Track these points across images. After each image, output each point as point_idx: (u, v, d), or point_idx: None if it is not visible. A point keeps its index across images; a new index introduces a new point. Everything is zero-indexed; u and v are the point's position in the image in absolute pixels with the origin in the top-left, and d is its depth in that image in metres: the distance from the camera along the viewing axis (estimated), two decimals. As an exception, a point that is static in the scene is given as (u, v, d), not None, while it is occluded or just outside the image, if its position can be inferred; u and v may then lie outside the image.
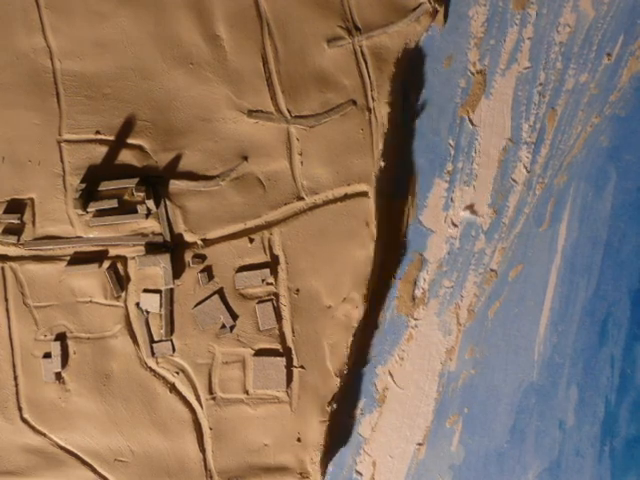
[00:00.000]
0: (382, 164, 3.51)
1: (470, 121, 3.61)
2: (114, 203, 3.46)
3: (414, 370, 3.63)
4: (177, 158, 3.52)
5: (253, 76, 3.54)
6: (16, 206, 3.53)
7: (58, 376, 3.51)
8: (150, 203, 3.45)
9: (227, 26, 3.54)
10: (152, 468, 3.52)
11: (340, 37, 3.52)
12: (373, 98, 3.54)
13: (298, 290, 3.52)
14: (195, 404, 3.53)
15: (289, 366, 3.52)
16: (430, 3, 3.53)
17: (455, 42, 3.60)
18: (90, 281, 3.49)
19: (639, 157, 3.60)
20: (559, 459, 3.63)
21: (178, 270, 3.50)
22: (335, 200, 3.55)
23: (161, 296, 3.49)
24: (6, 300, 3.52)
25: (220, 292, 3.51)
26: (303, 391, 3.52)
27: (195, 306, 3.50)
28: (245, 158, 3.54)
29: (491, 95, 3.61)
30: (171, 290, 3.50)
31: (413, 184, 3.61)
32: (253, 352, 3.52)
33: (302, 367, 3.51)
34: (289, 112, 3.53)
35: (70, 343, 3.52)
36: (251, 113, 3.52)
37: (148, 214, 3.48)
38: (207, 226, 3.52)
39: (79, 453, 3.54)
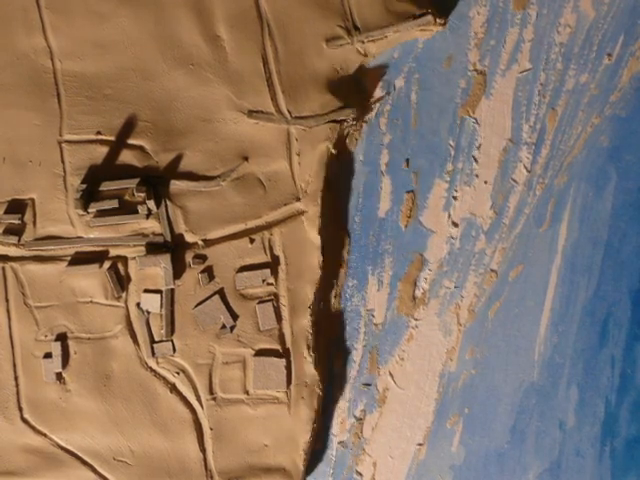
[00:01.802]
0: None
1: (470, 121, 3.61)
2: (115, 203, 3.46)
3: (414, 370, 3.63)
4: (178, 158, 3.52)
5: (253, 76, 3.54)
6: (17, 206, 3.53)
7: (59, 376, 3.51)
8: (151, 203, 3.46)
9: (227, 27, 3.54)
10: (152, 468, 3.52)
11: (339, 37, 3.52)
12: None
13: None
14: (195, 404, 3.53)
15: (289, 366, 3.52)
16: (433, 16, 3.50)
17: (455, 42, 3.60)
18: (91, 281, 3.49)
19: (639, 157, 3.60)
20: (559, 459, 3.63)
21: (179, 270, 3.51)
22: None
23: (162, 296, 3.49)
24: (7, 300, 3.53)
25: (221, 292, 3.52)
26: (298, 394, 3.53)
27: (196, 306, 3.51)
28: (245, 158, 3.54)
29: (491, 95, 3.61)
30: (172, 290, 3.50)
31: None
32: (253, 352, 3.52)
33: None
34: (289, 113, 3.53)
35: (71, 343, 3.52)
36: (251, 113, 3.52)
37: (149, 214, 3.48)
38: (208, 226, 3.52)
39: (79, 453, 3.54)
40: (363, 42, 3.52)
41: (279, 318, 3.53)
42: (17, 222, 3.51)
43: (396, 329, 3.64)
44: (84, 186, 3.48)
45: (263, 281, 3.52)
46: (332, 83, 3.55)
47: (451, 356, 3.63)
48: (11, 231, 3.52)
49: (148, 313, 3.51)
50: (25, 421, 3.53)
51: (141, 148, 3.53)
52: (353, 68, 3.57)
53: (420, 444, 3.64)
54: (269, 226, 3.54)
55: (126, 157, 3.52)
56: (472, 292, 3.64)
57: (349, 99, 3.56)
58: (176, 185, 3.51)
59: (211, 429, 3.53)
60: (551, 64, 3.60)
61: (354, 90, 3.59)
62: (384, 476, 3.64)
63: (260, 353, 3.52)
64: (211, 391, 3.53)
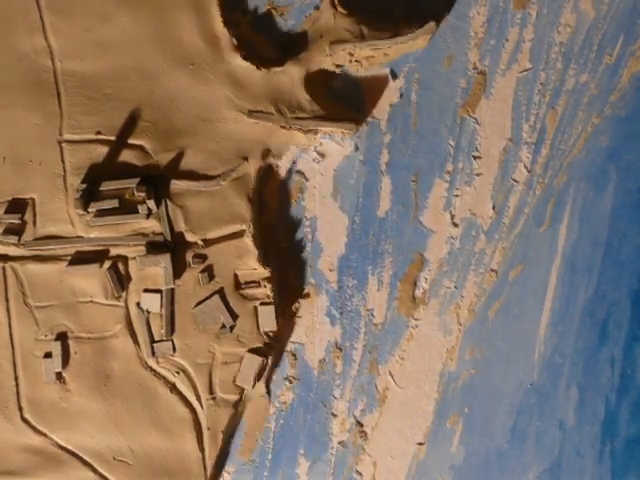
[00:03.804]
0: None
1: (470, 121, 3.61)
2: (115, 203, 3.46)
3: (414, 370, 3.63)
4: (178, 158, 3.52)
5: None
6: (17, 206, 3.53)
7: (59, 376, 3.51)
8: (151, 203, 3.45)
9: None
10: (152, 468, 3.52)
11: (345, 40, 3.50)
12: None
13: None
14: (195, 404, 3.53)
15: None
16: (435, 23, 3.50)
17: (455, 42, 3.60)
18: (91, 281, 3.49)
19: (639, 157, 3.61)
20: (559, 459, 3.63)
21: (179, 270, 3.50)
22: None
23: (162, 296, 3.49)
24: (7, 300, 3.52)
25: (220, 292, 3.52)
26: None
27: (195, 306, 3.50)
28: (245, 158, 3.54)
29: (491, 95, 3.61)
30: (172, 290, 3.50)
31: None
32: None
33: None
34: (289, 113, 3.53)
35: (71, 343, 3.52)
36: (251, 113, 3.52)
37: (149, 214, 3.48)
38: (207, 226, 3.52)
39: (79, 453, 3.54)
40: (366, 48, 3.51)
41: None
42: (17, 222, 3.51)
43: (396, 329, 3.64)
44: (84, 186, 3.48)
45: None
46: (333, 84, 3.56)
47: (451, 356, 3.63)
48: (11, 231, 3.52)
49: (148, 313, 3.51)
50: (25, 421, 3.53)
51: (141, 148, 3.53)
52: (353, 71, 3.58)
53: (420, 444, 3.64)
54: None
55: (126, 157, 3.53)
56: (472, 292, 3.64)
57: (348, 101, 3.57)
58: (176, 185, 3.51)
59: (208, 429, 3.53)
60: (551, 64, 3.60)
61: (353, 92, 3.60)
62: (384, 476, 3.64)
63: (253, 351, 3.53)
64: (211, 391, 3.53)
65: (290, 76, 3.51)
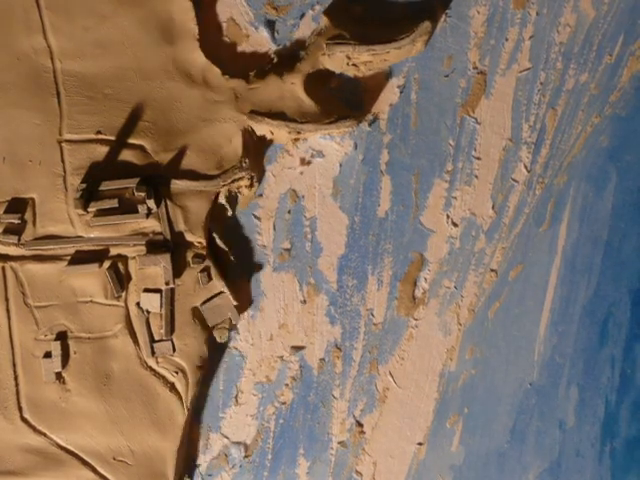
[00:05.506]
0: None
1: (470, 121, 3.61)
2: (115, 203, 3.45)
3: (414, 370, 3.63)
4: (178, 158, 3.52)
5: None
6: (17, 206, 3.53)
7: (58, 376, 3.50)
8: (151, 203, 3.45)
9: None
10: (152, 468, 3.52)
11: (343, 37, 3.50)
12: None
13: None
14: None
15: None
16: (431, 23, 3.49)
17: (455, 42, 3.60)
18: (91, 281, 3.49)
19: (639, 157, 3.61)
20: (559, 459, 3.63)
21: (179, 270, 3.50)
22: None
23: (161, 296, 3.48)
24: (6, 300, 3.52)
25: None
26: None
27: (203, 303, 3.49)
28: (244, 160, 3.53)
29: (491, 95, 3.61)
30: (172, 290, 3.50)
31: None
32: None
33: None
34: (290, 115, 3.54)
35: (70, 343, 3.51)
36: (252, 115, 3.52)
37: (149, 214, 3.48)
38: (207, 226, 3.52)
39: (79, 453, 3.53)
40: (365, 53, 3.51)
41: (279, 318, 3.54)
42: (17, 222, 3.51)
43: (396, 329, 3.64)
44: (84, 186, 3.47)
45: (263, 281, 3.53)
46: (331, 83, 3.56)
47: (451, 356, 3.63)
48: (11, 231, 3.51)
49: (148, 312, 3.51)
50: (25, 421, 3.53)
51: (141, 147, 3.53)
52: (352, 73, 3.58)
53: (420, 444, 3.64)
54: (269, 225, 3.55)
55: (126, 157, 3.52)
56: (472, 292, 3.64)
57: (347, 100, 3.57)
58: (176, 184, 3.51)
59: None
60: (551, 63, 3.60)
61: (352, 91, 3.60)
62: (384, 476, 3.64)
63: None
64: (211, 391, 3.54)
65: (290, 79, 3.51)
